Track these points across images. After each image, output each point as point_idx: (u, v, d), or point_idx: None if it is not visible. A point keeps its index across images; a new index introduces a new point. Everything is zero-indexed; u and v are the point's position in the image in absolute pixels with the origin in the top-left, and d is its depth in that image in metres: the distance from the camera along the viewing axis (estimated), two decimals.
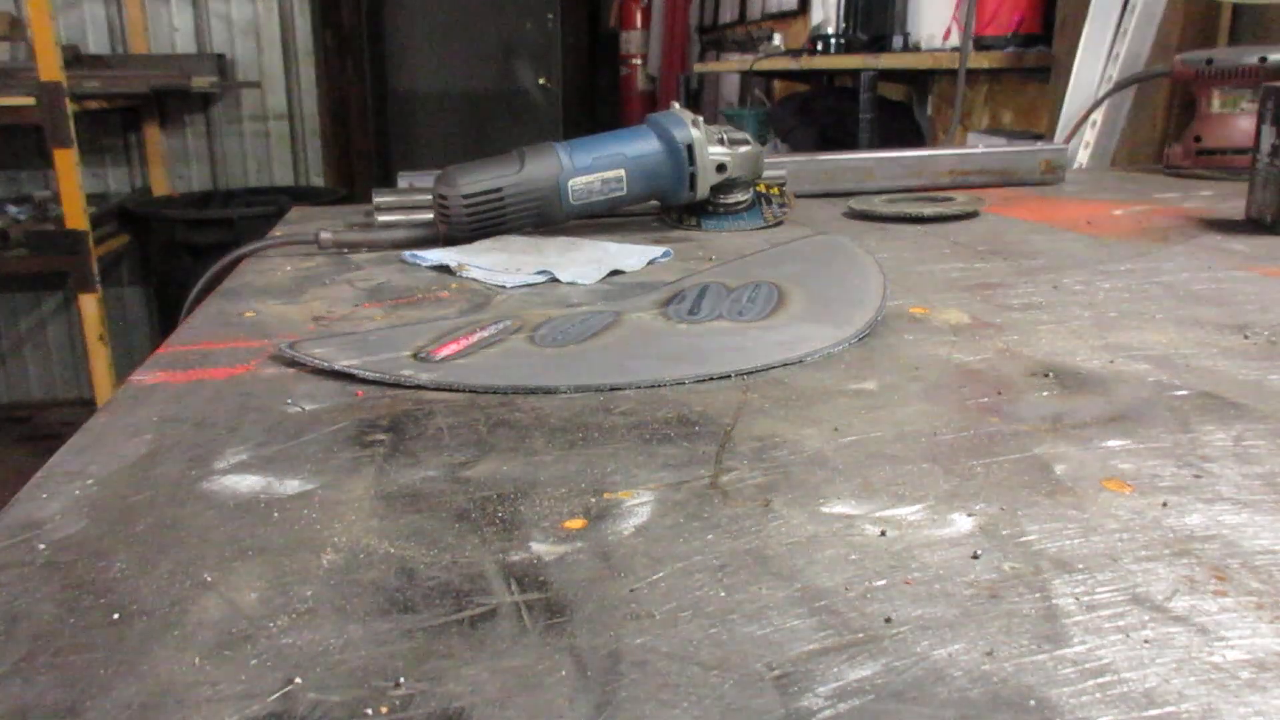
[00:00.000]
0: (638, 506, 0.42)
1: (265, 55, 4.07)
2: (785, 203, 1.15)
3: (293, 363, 0.62)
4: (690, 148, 1.04)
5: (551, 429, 0.51)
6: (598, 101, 6.38)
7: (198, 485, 0.44)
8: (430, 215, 1.05)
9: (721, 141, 1.07)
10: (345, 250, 1.02)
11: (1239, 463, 0.46)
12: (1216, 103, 1.49)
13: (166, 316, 3.68)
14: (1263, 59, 1.42)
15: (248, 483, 0.44)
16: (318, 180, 4.19)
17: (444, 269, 0.90)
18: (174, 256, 3.48)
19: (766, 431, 0.50)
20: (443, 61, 6.10)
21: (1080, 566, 0.37)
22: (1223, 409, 0.53)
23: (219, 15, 3.99)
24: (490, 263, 0.91)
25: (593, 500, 0.42)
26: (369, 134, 5.45)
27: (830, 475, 0.45)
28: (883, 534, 0.39)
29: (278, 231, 1.14)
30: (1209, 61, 1.49)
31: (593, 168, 1.03)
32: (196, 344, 0.68)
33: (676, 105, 1.10)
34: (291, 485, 0.44)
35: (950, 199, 1.19)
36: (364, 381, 0.58)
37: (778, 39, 3.64)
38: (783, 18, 4.05)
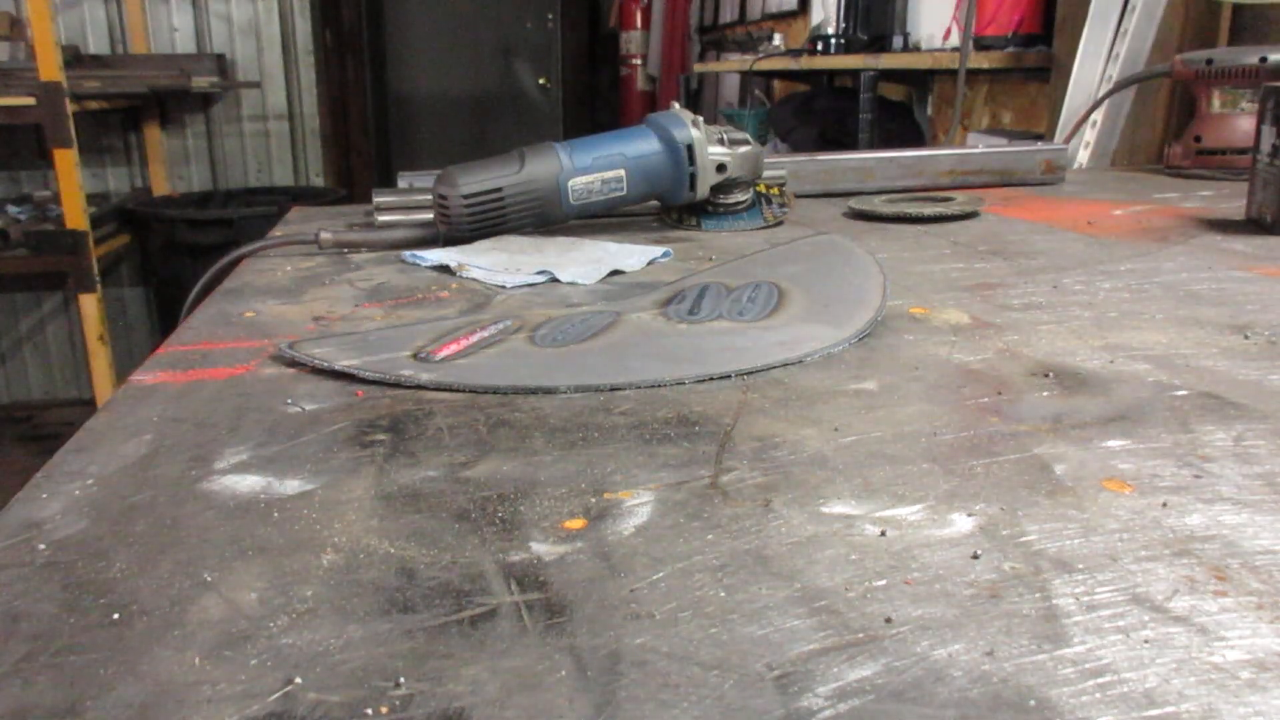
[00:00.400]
0: (638, 506, 0.42)
1: (265, 55, 4.07)
2: (785, 203, 1.15)
3: (293, 363, 0.62)
4: (690, 148, 1.04)
5: (551, 429, 0.51)
6: (598, 102, 6.38)
7: (198, 485, 0.44)
8: (430, 215, 1.05)
9: (721, 141, 1.07)
10: (345, 250, 1.02)
11: (1239, 463, 0.46)
12: (1216, 103, 1.50)
13: (166, 316, 3.68)
14: (1263, 59, 1.42)
15: (248, 483, 0.44)
16: (318, 180, 4.19)
17: (444, 269, 0.90)
18: (174, 256, 3.47)
19: (766, 431, 0.50)
20: (443, 62, 6.10)
21: (1080, 566, 0.37)
22: (1223, 409, 0.53)
23: (219, 15, 3.99)
24: (490, 263, 0.91)
25: (593, 500, 0.42)
26: (369, 135, 5.45)
27: (830, 475, 0.45)
28: (883, 534, 0.39)
29: (278, 231, 1.14)
30: (1209, 61, 1.49)
31: (593, 168, 1.03)
32: (196, 344, 0.68)
33: (676, 105, 1.10)
34: (291, 485, 0.44)
35: (950, 199, 1.19)
36: (364, 381, 0.58)
37: (778, 39, 3.64)
38: (783, 18, 4.05)
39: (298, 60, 4.10)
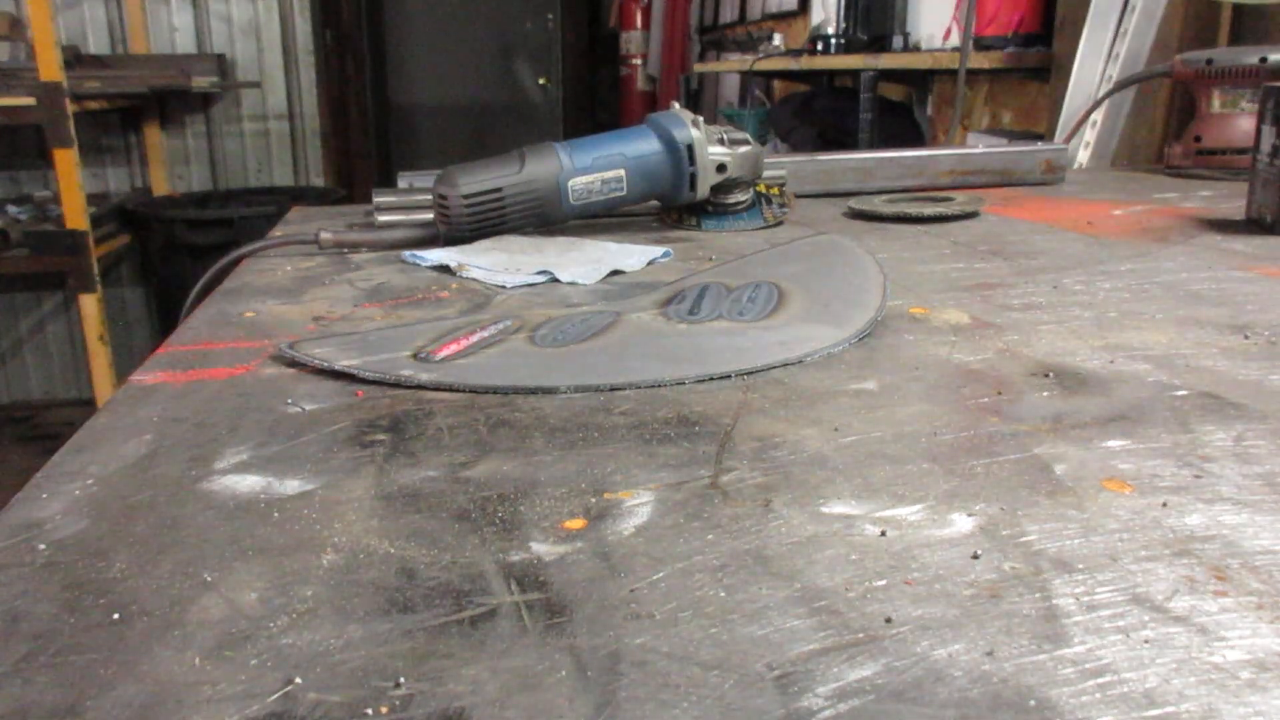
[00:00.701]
0: (638, 506, 0.42)
1: (265, 55, 4.07)
2: (785, 203, 1.15)
3: (293, 363, 0.62)
4: (690, 148, 1.04)
5: (551, 429, 0.51)
6: (597, 102, 6.38)
7: (198, 485, 0.44)
8: (430, 215, 1.05)
9: (721, 141, 1.07)
10: (345, 250, 1.02)
11: (1239, 463, 0.46)
12: (1216, 103, 1.50)
13: (166, 316, 3.68)
14: (1263, 59, 1.42)
15: (248, 483, 0.44)
16: (318, 180, 4.19)
17: (444, 269, 0.90)
18: (174, 256, 3.47)
19: (766, 431, 0.50)
20: (442, 62, 6.10)
21: (1080, 567, 0.37)
22: (1223, 409, 0.53)
23: (219, 15, 3.99)
24: (490, 263, 0.91)
25: (593, 500, 0.42)
26: (369, 135, 5.46)
27: (830, 475, 0.45)
28: (883, 534, 0.39)
29: (278, 231, 1.14)
30: (1209, 61, 1.49)
31: (593, 168, 1.03)
32: (196, 344, 0.68)
33: (676, 105, 1.10)
34: (291, 485, 0.44)
35: (950, 199, 1.19)
36: (364, 381, 0.58)
37: (778, 39, 3.64)
38: (783, 18, 4.05)
39: (298, 60, 4.10)
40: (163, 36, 3.94)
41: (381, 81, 5.97)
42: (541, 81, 6.30)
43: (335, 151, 4.48)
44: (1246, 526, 0.40)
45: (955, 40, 2.30)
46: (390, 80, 6.07)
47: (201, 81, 3.67)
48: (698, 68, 4.67)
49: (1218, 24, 1.72)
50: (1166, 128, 1.74)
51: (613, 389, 0.57)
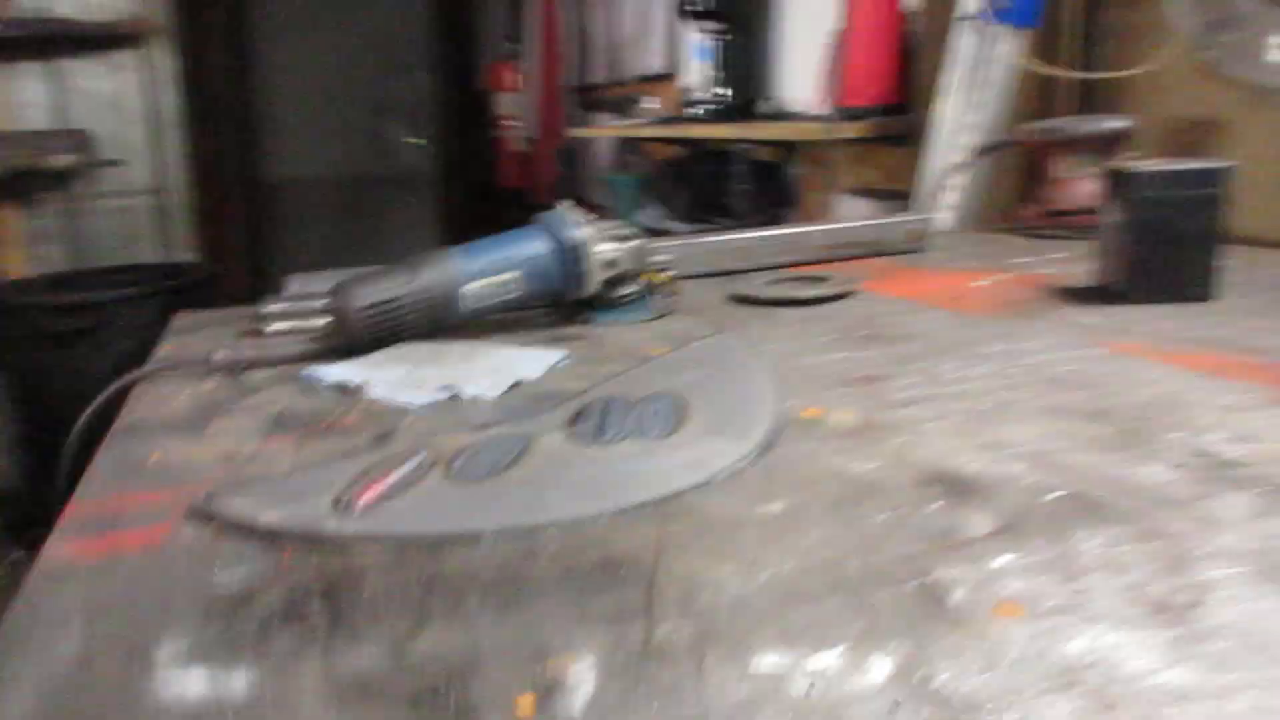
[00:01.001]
0: (581, 676, 0.44)
1: (130, 128, 3.95)
2: (672, 291, 1.19)
3: (211, 518, 0.62)
4: (581, 247, 1.08)
5: (484, 585, 0.52)
6: (474, 163, 6.36)
7: (142, 691, 0.44)
8: (323, 322, 1.05)
9: (609, 238, 1.11)
10: (240, 367, 1.00)
11: (1109, 573, 0.51)
12: (1062, 167, 1.62)
13: (27, 407, 3.48)
14: (1097, 128, 1.56)
15: (193, 681, 0.44)
16: (187, 256, 4.07)
17: (345, 388, 0.91)
18: (33, 344, 3.31)
19: (688, 570, 0.53)
20: (314, 126, 6.00)
21: (989, 707, 0.40)
22: (1091, 511, 0.58)
23: (79, 89, 3.85)
24: (392, 378, 0.92)
25: (538, 670, 0.44)
26: (241, 208, 5.32)
27: (754, 622, 0.48)
28: (811, 687, 0.42)
29: (165, 347, 1.12)
30: (1049, 130, 1.62)
31: (486, 271, 1.05)
32: (106, 500, 0.67)
33: (565, 204, 1.13)
34: (238, 680, 0.44)
35: (826, 277, 1.26)
36: (289, 540, 0.59)
37: (651, 102, 3.72)
38: (653, 80, 4.14)
39: (163, 132, 4.00)
40: (18, 111, 3.79)
41: (253, 150, 5.83)
42: (415, 142, 6.27)
43: (205, 225, 4.36)
44: (1123, 647, 0.44)
45: (822, 108, 2.41)
46: (262, 148, 5.94)
47: (60, 160, 3.54)
48: (574, 133, 4.71)
49: (1053, 96, 1.86)
50: (1020, 190, 1.87)
51: (535, 530, 0.59)
